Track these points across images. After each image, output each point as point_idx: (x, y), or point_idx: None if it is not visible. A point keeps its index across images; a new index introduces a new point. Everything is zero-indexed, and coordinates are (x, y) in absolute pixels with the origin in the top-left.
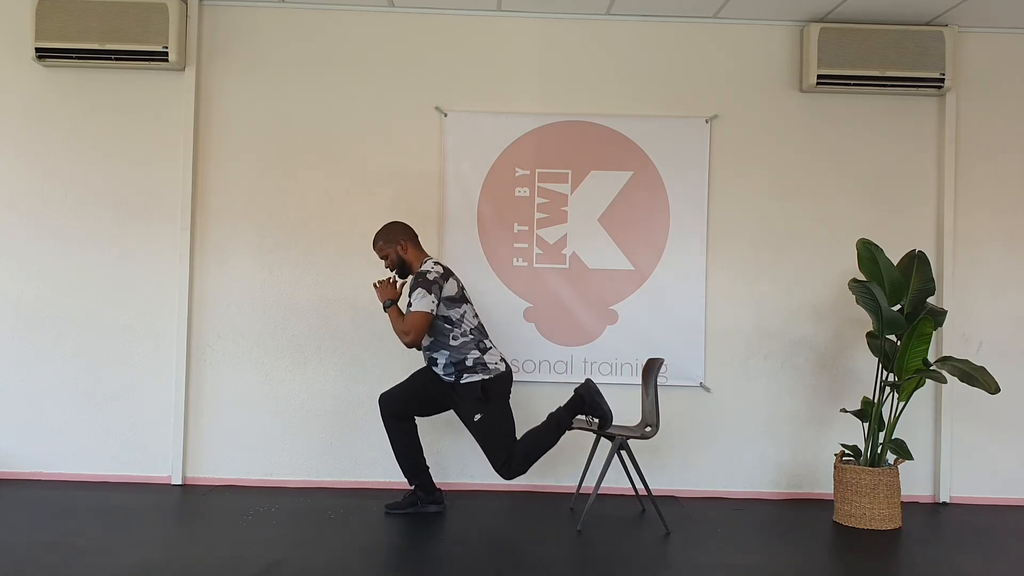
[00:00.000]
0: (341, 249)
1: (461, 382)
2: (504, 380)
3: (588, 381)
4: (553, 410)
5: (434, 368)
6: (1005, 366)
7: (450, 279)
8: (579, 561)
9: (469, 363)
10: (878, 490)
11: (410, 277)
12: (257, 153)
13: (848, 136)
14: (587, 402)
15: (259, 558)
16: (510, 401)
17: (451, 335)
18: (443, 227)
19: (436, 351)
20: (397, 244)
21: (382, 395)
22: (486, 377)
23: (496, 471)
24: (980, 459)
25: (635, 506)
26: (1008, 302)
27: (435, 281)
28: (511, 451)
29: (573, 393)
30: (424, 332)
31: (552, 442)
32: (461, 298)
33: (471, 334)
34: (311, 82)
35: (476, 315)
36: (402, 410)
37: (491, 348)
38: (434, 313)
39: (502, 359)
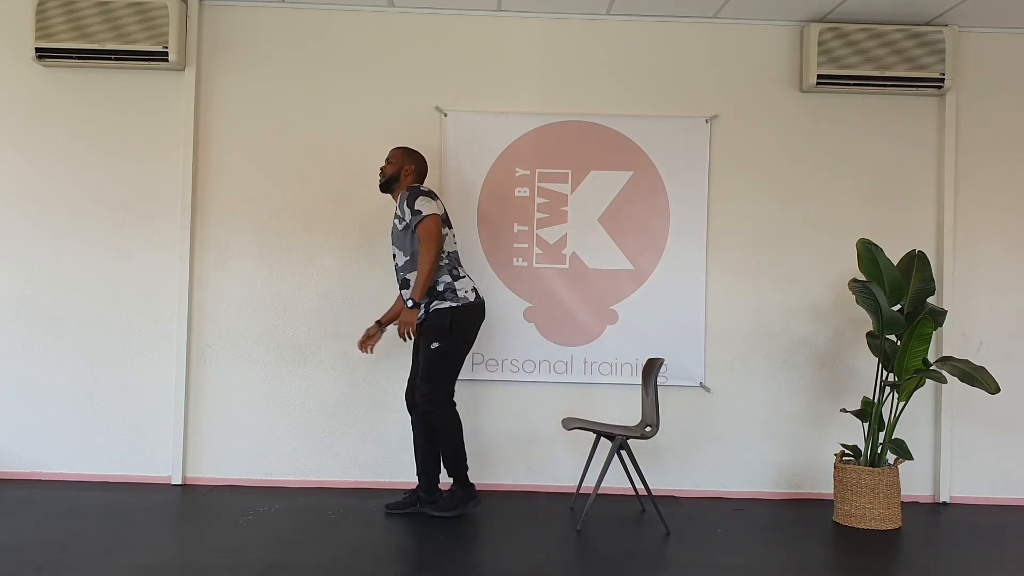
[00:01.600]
0: (341, 249)
1: (430, 311)
2: (471, 311)
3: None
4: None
5: (404, 294)
6: (1005, 366)
7: (439, 199)
8: (579, 561)
9: (440, 287)
10: (878, 490)
11: (398, 201)
12: (257, 153)
13: (848, 136)
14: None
15: (259, 558)
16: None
17: None
18: None
19: (411, 271)
20: (407, 165)
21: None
22: (455, 305)
23: (425, 407)
24: (980, 459)
25: (635, 506)
26: (1008, 302)
27: (431, 192)
28: (442, 391)
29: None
30: (440, 234)
31: (442, 453)
32: (446, 221)
33: (447, 259)
34: (311, 82)
35: (456, 243)
36: (410, 395)
37: (463, 277)
38: (441, 216)
39: (474, 290)
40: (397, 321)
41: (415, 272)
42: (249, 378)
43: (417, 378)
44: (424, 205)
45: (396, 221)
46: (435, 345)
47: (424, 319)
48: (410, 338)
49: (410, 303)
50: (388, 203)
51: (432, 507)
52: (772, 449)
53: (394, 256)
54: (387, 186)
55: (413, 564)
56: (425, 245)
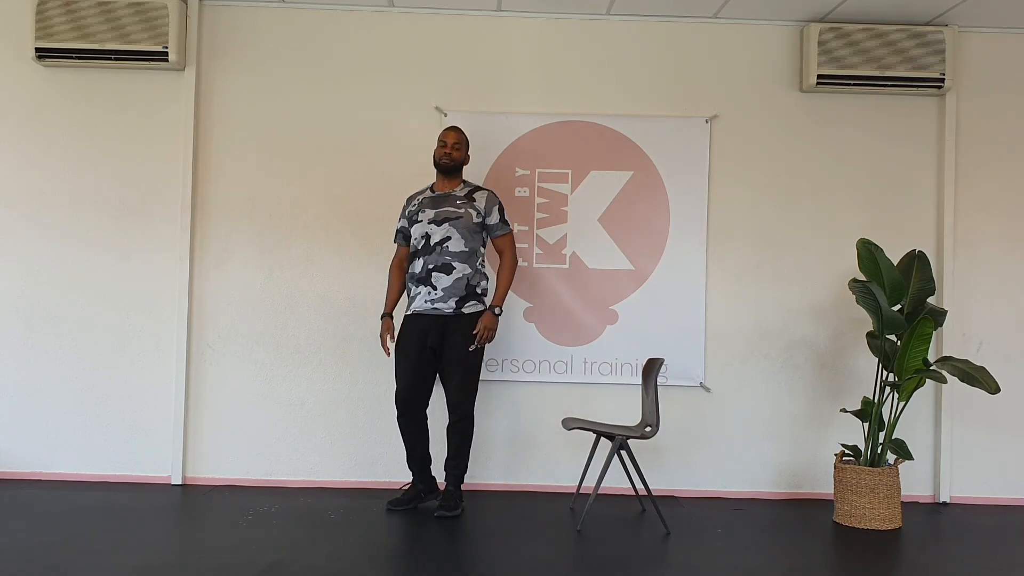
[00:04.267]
0: (341, 249)
1: (464, 311)
2: None
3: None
4: (453, 488)
5: (429, 284)
6: (1005, 366)
7: None
8: (579, 561)
9: (479, 290)
10: (878, 490)
11: (479, 196)
12: (257, 153)
13: (848, 136)
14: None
15: (259, 558)
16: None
17: (481, 258)
18: None
19: (461, 261)
20: (468, 151)
21: (396, 395)
22: (484, 309)
23: (462, 414)
24: (980, 459)
25: (635, 506)
26: (1008, 302)
27: None
28: (475, 392)
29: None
30: None
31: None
32: None
33: (487, 263)
34: (311, 82)
35: None
36: (412, 395)
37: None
38: None
39: None
40: (480, 329)
41: (464, 264)
42: (249, 378)
43: (452, 382)
44: (509, 220)
45: (471, 211)
46: (473, 347)
47: (454, 321)
48: (483, 344)
49: (497, 310)
50: (388, 201)
51: (444, 508)
52: (772, 449)
53: (432, 237)
54: (449, 171)
55: (413, 564)
56: (511, 260)
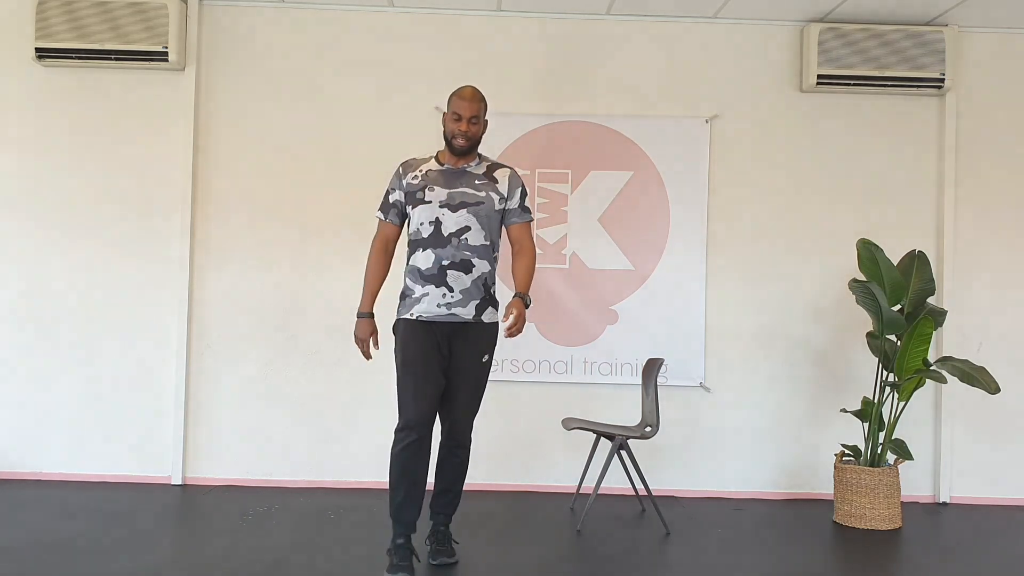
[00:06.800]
0: (341, 249)
1: (483, 319)
2: None
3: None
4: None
5: (444, 284)
6: (1005, 366)
7: None
8: (579, 561)
9: (493, 291)
10: (878, 490)
11: (501, 175)
12: (257, 153)
13: (848, 136)
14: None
15: (259, 558)
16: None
17: (498, 251)
18: None
19: (480, 257)
20: (486, 124)
21: (406, 421)
22: (496, 319)
23: (465, 440)
24: (980, 459)
25: (635, 506)
26: (1008, 302)
27: None
28: (472, 428)
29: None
30: None
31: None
32: None
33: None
34: (311, 82)
35: None
36: (429, 418)
37: None
38: None
39: None
40: (515, 320)
41: (485, 260)
42: (249, 378)
43: (460, 400)
44: (530, 207)
45: (494, 195)
46: (487, 358)
47: (471, 329)
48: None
49: (528, 299)
50: None
51: (446, 554)
52: (772, 449)
53: (446, 225)
54: (466, 151)
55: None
56: (533, 250)
